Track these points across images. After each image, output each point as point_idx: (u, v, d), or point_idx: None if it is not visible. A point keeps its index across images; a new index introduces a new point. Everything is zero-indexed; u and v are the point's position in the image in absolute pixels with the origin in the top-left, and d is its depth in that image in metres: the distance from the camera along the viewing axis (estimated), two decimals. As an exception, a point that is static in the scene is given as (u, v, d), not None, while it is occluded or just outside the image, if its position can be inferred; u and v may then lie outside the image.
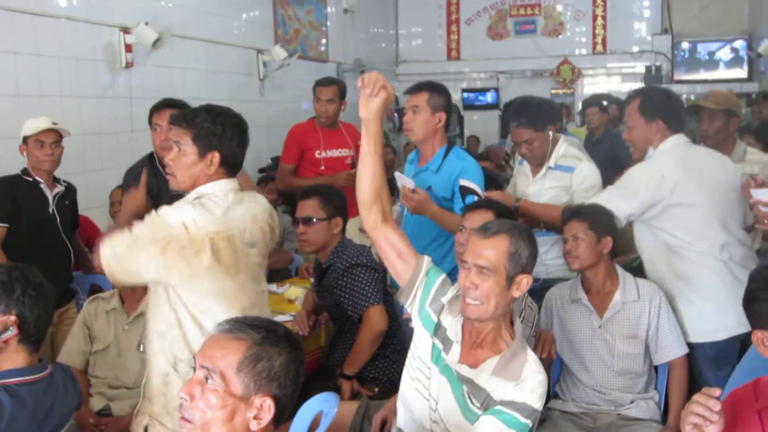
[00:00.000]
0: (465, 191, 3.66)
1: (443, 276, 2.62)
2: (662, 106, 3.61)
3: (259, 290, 2.89)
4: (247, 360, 1.89)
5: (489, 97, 11.85)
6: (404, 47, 12.32)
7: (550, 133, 4.07)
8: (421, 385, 2.57)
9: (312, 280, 4.12)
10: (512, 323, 2.55)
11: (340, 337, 3.75)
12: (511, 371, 2.43)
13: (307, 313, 3.88)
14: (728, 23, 10.96)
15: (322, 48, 9.49)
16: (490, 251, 2.43)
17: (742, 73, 10.80)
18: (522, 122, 4.03)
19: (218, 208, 2.70)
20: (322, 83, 5.57)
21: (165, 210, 2.64)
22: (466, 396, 2.46)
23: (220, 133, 2.72)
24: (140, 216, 2.73)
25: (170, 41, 6.20)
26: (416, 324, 2.61)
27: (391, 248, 2.62)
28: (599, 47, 11.52)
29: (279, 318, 3.93)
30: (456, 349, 2.50)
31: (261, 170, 7.65)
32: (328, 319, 3.99)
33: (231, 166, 2.79)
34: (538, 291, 3.55)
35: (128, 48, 5.97)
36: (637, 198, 3.49)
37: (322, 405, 2.65)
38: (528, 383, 2.41)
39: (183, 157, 2.72)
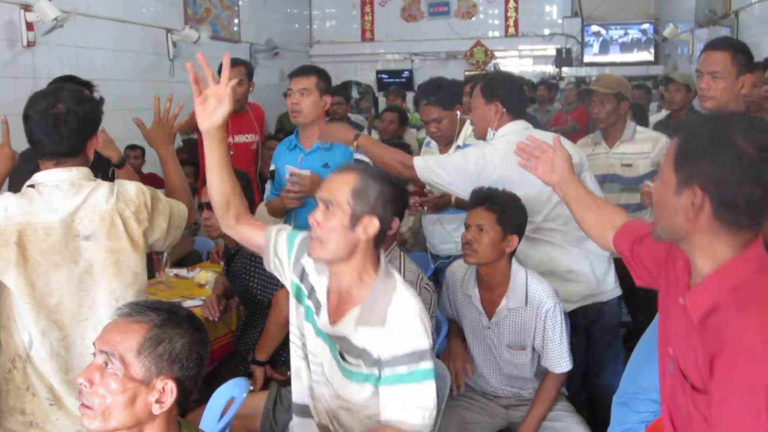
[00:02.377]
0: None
1: (301, 237, 2.54)
2: (501, 89, 3.64)
3: (98, 287, 2.65)
4: (148, 342, 1.86)
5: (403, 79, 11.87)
6: (318, 28, 12.24)
7: (458, 113, 4.14)
8: (301, 351, 2.52)
9: (222, 264, 4.07)
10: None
11: (251, 321, 3.72)
12: (374, 316, 2.30)
13: (218, 298, 3.83)
14: (635, 7, 11.24)
15: (235, 28, 9.34)
16: (336, 185, 2.34)
17: (648, 56, 11.09)
18: (431, 100, 4.10)
19: (40, 199, 2.59)
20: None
21: None
22: (339, 355, 2.37)
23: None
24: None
25: (75, 20, 6.01)
26: (290, 292, 2.56)
27: (250, 243, 2.63)
28: (511, 30, 11.66)
29: (189, 303, 3.88)
30: (324, 310, 2.42)
31: (172, 152, 7.51)
32: (239, 304, 3.95)
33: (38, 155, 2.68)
34: (443, 269, 3.57)
35: (29, 26, 5.76)
36: (465, 173, 3.46)
37: (233, 390, 2.63)
38: (397, 330, 2.27)
39: None
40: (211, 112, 2.43)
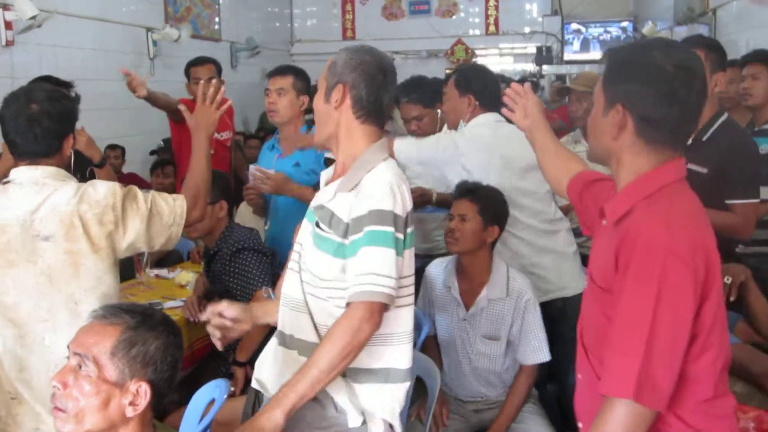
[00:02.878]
0: (328, 163, 3.73)
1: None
2: (475, 82, 3.71)
3: (56, 289, 2.61)
4: (122, 344, 1.86)
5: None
6: (299, 27, 12.22)
7: (439, 111, 4.17)
8: (296, 265, 2.44)
9: (203, 264, 4.07)
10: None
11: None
12: (350, 182, 2.28)
13: (198, 299, 3.81)
14: (614, 5, 11.28)
15: (215, 27, 9.32)
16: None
17: (628, 53, 11.10)
18: (412, 98, 4.14)
19: (2, 196, 2.59)
20: (196, 62, 5.46)
21: None
22: (315, 225, 2.34)
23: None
24: None
25: (54, 19, 5.98)
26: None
27: None
28: (492, 28, 11.68)
29: (169, 304, 3.88)
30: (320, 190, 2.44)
31: (152, 152, 7.48)
32: (219, 304, 3.94)
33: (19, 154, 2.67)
34: (424, 269, 3.59)
35: (8, 25, 5.73)
36: (434, 157, 3.61)
37: (213, 392, 2.63)
38: (366, 189, 2.24)
39: None
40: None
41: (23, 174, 2.63)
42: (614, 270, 1.84)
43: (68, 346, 1.91)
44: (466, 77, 3.72)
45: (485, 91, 3.69)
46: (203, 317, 2.61)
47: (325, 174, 2.48)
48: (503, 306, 3.33)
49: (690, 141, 3.30)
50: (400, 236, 2.20)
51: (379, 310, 2.16)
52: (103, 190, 2.65)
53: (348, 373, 2.29)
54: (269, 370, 2.48)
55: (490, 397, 3.44)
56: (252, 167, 3.87)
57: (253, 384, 2.56)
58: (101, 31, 6.95)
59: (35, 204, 2.58)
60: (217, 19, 9.33)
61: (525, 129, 2.72)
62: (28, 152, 2.64)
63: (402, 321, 2.35)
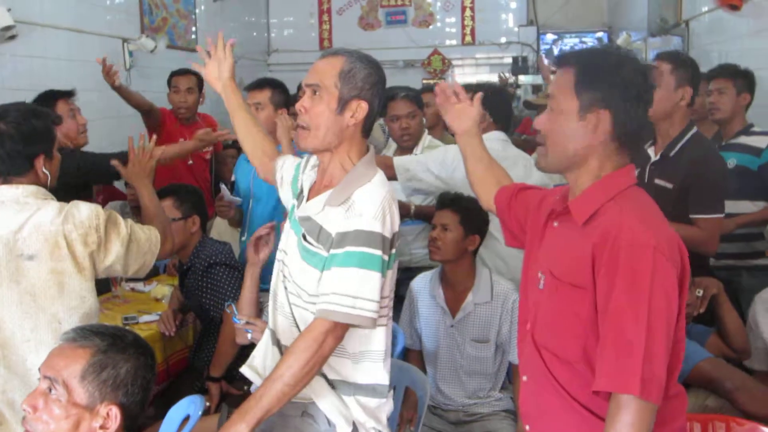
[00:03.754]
0: None
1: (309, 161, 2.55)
2: (494, 101, 3.84)
3: (40, 309, 2.62)
4: (92, 368, 1.87)
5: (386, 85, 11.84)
6: (276, 36, 12.21)
7: (423, 118, 4.29)
8: (280, 262, 2.47)
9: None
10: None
11: (207, 337, 3.71)
12: (339, 196, 2.25)
13: (174, 313, 3.81)
14: (589, 16, 11.36)
15: (192, 36, 9.29)
16: (323, 67, 2.31)
17: (603, 64, 11.19)
18: (409, 95, 4.21)
19: None
20: (178, 73, 5.46)
21: None
22: (302, 237, 2.32)
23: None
24: None
25: (29, 30, 5.95)
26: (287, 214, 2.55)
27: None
28: (468, 38, 11.72)
29: (145, 318, 3.87)
30: (304, 199, 2.41)
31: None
32: (195, 318, 3.94)
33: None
34: (404, 281, 3.62)
35: (-18, 37, 5.68)
36: (443, 164, 3.76)
37: (188, 408, 2.63)
38: (357, 206, 2.21)
39: None
40: (217, 72, 2.81)
41: (4, 193, 2.62)
42: (589, 267, 1.89)
43: (39, 369, 1.91)
44: (486, 95, 3.75)
45: (500, 109, 3.89)
46: None
47: (308, 180, 2.45)
48: (489, 309, 3.46)
49: (658, 156, 3.36)
50: (386, 258, 2.21)
51: (343, 327, 2.19)
52: (86, 211, 2.67)
53: (337, 385, 2.32)
54: (261, 363, 2.51)
55: (474, 409, 3.48)
56: (222, 187, 3.90)
57: (244, 371, 2.56)
58: (77, 41, 6.90)
59: (18, 223, 2.58)
60: (193, 29, 9.31)
61: (458, 132, 2.74)
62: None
63: (384, 340, 2.37)
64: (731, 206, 3.92)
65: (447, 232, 3.48)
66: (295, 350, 2.18)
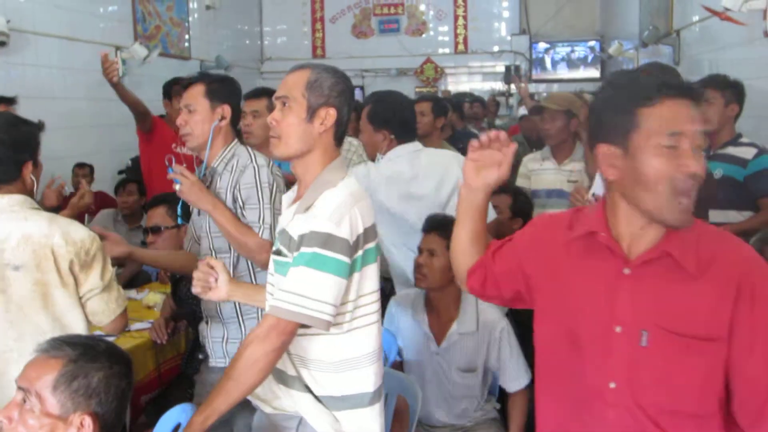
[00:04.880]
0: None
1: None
2: (390, 116, 3.67)
3: (24, 319, 2.61)
4: (63, 378, 1.88)
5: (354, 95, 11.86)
6: (269, 44, 12.25)
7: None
8: (268, 284, 2.48)
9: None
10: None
11: (199, 344, 3.70)
12: (305, 203, 2.29)
13: (166, 321, 3.79)
14: (582, 25, 11.43)
15: (185, 44, 9.31)
16: (290, 80, 2.37)
17: (595, 72, 11.28)
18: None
19: None
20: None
21: None
22: (275, 253, 2.37)
23: None
24: None
25: (21, 37, 5.96)
26: None
27: None
28: (461, 47, 11.78)
29: (137, 325, 3.85)
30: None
31: (120, 172, 7.44)
32: (187, 326, 3.93)
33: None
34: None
35: (-26, 44, 5.70)
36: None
37: (179, 416, 2.63)
38: (315, 209, 2.23)
39: None
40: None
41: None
42: (726, 315, 1.75)
43: (15, 381, 1.92)
44: (378, 112, 3.69)
45: (399, 123, 3.67)
46: None
47: (287, 197, 2.50)
48: (475, 339, 3.30)
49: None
50: (345, 259, 2.19)
51: (290, 324, 2.19)
52: (82, 232, 2.68)
53: (325, 401, 2.32)
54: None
55: (463, 425, 3.43)
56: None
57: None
58: (69, 49, 6.92)
59: (6, 233, 2.57)
60: (186, 37, 9.33)
61: (476, 186, 2.20)
62: None
63: (367, 342, 2.36)
64: (719, 216, 3.97)
65: (434, 257, 3.25)
66: (241, 347, 2.22)
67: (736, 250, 1.81)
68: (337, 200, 2.23)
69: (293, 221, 2.30)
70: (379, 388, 2.42)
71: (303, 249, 2.19)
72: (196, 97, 3.07)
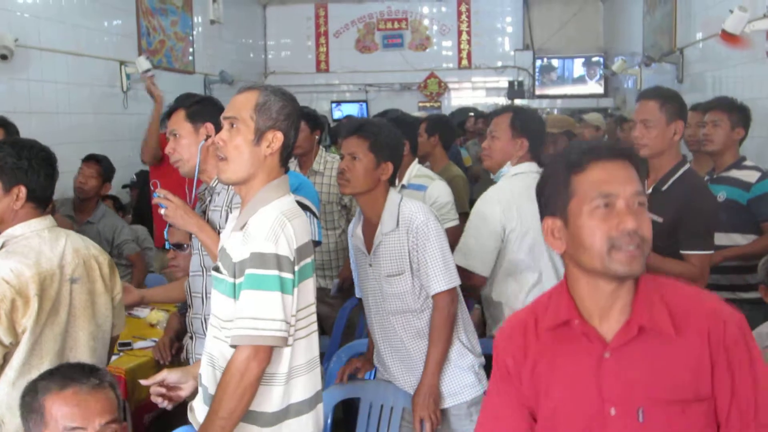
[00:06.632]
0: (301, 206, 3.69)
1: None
2: (532, 127, 3.62)
3: (79, 329, 2.81)
4: None
5: (358, 110, 11.89)
6: (273, 59, 12.27)
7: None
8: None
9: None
10: None
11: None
12: (240, 221, 2.35)
13: (170, 340, 3.72)
14: (585, 41, 11.45)
15: (189, 59, 9.33)
16: (239, 101, 2.41)
17: (599, 88, 11.30)
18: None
19: (31, 251, 2.65)
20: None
21: None
22: (213, 270, 2.43)
23: (26, 167, 2.70)
24: None
25: (26, 52, 5.98)
26: None
27: None
28: (464, 62, 11.80)
29: (140, 344, 3.85)
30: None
31: (125, 186, 7.46)
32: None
33: (39, 201, 2.75)
34: None
35: (-20, 60, 5.71)
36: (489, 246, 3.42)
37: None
38: (250, 230, 2.29)
39: None
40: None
41: (34, 225, 2.73)
42: (708, 371, 1.75)
43: None
44: (523, 119, 3.59)
45: (538, 137, 3.62)
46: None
47: (233, 217, 2.53)
48: (396, 237, 3.06)
49: (650, 190, 3.38)
50: (287, 275, 2.26)
51: (265, 350, 2.24)
52: (99, 247, 2.97)
53: (258, 420, 2.36)
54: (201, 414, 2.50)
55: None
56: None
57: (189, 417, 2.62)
58: (75, 64, 6.93)
59: (60, 250, 2.74)
60: (190, 50, 9.35)
61: None
62: None
63: (300, 354, 2.41)
64: (723, 239, 3.95)
65: (356, 161, 3.06)
66: (221, 383, 2.27)
67: (699, 302, 1.81)
68: (271, 219, 2.29)
69: (230, 238, 2.37)
70: (317, 393, 2.49)
71: (247, 271, 2.25)
72: (178, 122, 3.09)
